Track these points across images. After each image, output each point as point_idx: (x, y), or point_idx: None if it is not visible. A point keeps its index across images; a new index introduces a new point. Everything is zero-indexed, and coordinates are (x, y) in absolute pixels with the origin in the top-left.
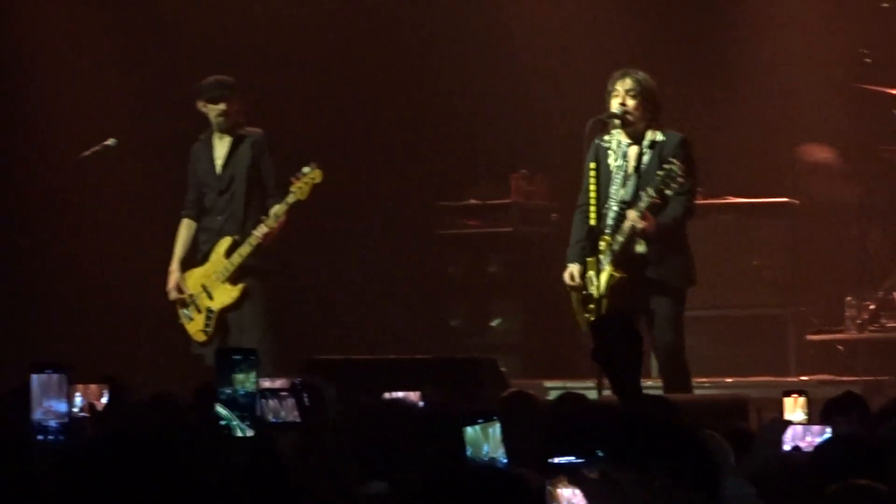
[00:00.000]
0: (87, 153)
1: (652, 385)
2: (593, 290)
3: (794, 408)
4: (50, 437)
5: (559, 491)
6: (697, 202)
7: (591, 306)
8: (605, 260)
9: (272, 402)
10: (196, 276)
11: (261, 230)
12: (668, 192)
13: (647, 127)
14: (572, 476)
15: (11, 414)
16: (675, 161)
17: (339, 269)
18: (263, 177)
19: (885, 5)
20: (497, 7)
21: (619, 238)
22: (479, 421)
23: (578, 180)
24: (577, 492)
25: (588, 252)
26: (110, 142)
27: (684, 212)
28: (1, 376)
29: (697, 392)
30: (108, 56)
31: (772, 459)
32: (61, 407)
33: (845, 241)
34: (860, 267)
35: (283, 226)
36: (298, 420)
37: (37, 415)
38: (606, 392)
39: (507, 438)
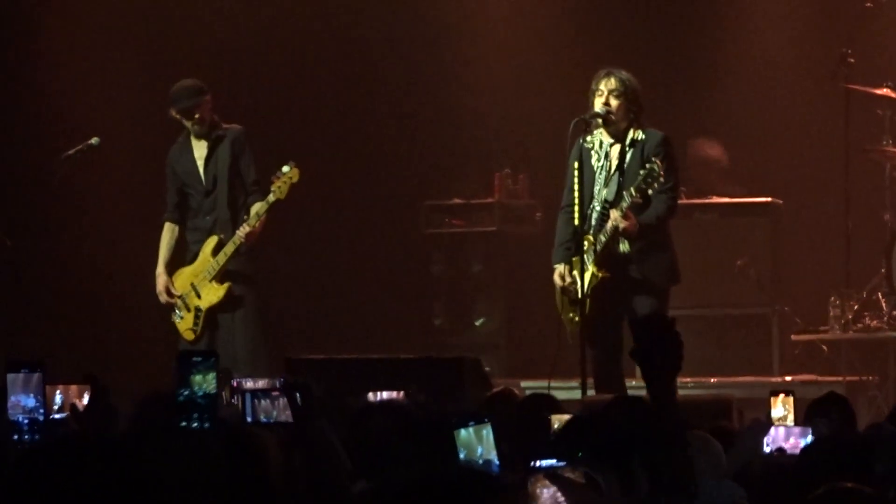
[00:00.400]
0: (70, 152)
1: (636, 385)
2: (577, 290)
3: (780, 407)
4: (25, 437)
5: (541, 491)
6: (681, 202)
7: (575, 306)
8: (588, 260)
9: (264, 403)
10: (185, 276)
11: (243, 230)
12: (650, 191)
13: (629, 126)
14: (554, 478)
15: None
16: (655, 160)
17: (323, 267)
18: (243, 174)
19: (869, 5)
20: (481, 6)
21: (602, 238)
22: (471, 423)
23: (562, 179)
24: (559, 494)
25: (573, 253)
26: (94, 141)
27: (667, 210)
28: None
29: (681, 392)
30: (89, 55)
31: (755, 461)
32: (30, 402)
33: (829, 241)
34: (844, 266)
35: (264, 224)
36: (291, 420)
37: (10, 414)
38: (591, 392)
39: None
